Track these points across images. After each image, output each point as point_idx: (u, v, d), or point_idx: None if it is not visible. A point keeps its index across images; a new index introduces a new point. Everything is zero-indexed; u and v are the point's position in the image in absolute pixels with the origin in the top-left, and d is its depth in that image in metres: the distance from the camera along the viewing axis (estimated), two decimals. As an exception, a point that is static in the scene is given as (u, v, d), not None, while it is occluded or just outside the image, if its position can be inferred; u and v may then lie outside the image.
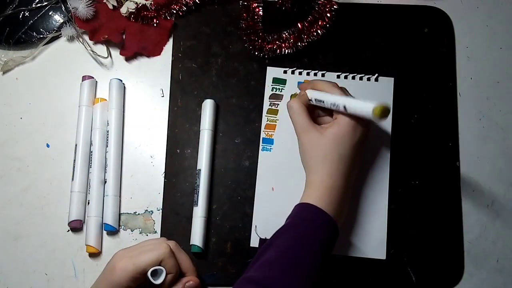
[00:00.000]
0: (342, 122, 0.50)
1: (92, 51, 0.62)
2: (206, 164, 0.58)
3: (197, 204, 0.57)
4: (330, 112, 0.54)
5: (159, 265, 0.49)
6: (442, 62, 0.62)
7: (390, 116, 0.60)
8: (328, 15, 0.59)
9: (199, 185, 0.57)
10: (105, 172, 0.59)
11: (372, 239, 0.58)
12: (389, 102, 0.61)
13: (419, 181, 0.59)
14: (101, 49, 0.63)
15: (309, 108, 0.54)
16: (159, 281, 0.48)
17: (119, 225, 0.59)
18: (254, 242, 0.57)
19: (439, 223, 0.58)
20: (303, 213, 0.49)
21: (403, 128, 0.60)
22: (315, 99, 0.53)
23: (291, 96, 0.61)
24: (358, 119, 0.50)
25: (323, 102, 0.51)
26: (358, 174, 0.58)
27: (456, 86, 0.62)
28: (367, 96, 0.61)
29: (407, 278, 0.57)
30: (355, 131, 0.50)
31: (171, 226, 0.58)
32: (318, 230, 0.48)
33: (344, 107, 0.49)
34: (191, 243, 0.56)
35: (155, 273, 0.49)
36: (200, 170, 0.58)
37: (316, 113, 0.55)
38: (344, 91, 0.53)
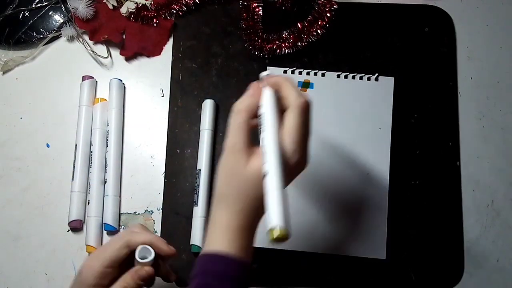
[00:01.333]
0: None
1: (92, 51, 0.62)
2: (206, 164, 0.58)
3: (197, 204, 0.57)
4: None
5: (135, 250, 0.46)
6: (443, 61, 0.62)
7: (390, 116, 0.60)
8: (328, 15, 0.59)
9: (199, 185, 0.57)
10: (105, 172, 0.59)
11: (372, 239, 0.57)
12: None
13: (419, 181, 0.59)
14: (101, 49, 0.63)
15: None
16: (150, 258, 0.46)
17: (119, 225, 0.59)
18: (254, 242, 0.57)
19: (439, 223, 0.58)
20: (214, 267, 0.39)
21: (403, 127, 0.60)
22: (259, 116, 0.43)
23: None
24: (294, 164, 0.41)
25: (261, 132, 0.42)
26: (358, 175, 0.58)
27: (457, 86, 0.62)
28: (367, 96, 0.61)
29: (407, 278, 0.57)
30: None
31: (171, 226, 0.58)
32: (235, 285, 0.39)
33: (264, 175, 0.39)
34: (191, 243, 0.56)
35: (144, 256, 0.46)
36: (200, 170, 0.58)
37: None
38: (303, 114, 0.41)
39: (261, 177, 0.39)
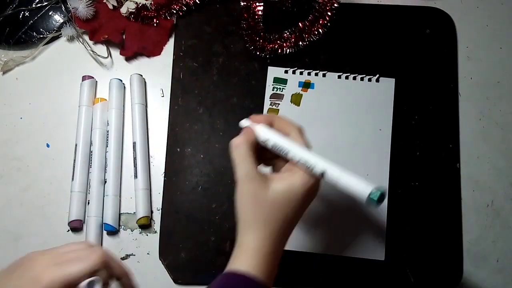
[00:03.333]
0: (298, 182, 0.42)
1: (92, 51, 0.62)
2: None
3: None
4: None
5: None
6: (443, 63, 0.62)
7: (390, 117, 0.60)
8: (329, 13, 0.59)
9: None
10: (105, 172, 0.59)
11: (371, 240, 0.58)
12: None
13: (419, 183, 0.59)
14: (101, 49, 0.63)
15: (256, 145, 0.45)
16: None
17: (119, 225, 0.59)
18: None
19: (439, 224, 0.58)
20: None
21: (403, 129, 0.60)
22: (272, 145, 0.44)
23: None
24: (318, 181, 0.43)
25: (286, 153, 0.43)
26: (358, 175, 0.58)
27: (458, 87, 0.62)
28: (368, 97, 0.61)
29: (405, 279, 0.57)
30: (310, 194, 0.43)
31: (171, 226, 0.58)
32: None
33: (323, 174, 0.41)
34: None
35: (90, 286, 0.44)
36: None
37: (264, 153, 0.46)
38: (304, 135, 0.45)
39: (287, 199, 0.41)
